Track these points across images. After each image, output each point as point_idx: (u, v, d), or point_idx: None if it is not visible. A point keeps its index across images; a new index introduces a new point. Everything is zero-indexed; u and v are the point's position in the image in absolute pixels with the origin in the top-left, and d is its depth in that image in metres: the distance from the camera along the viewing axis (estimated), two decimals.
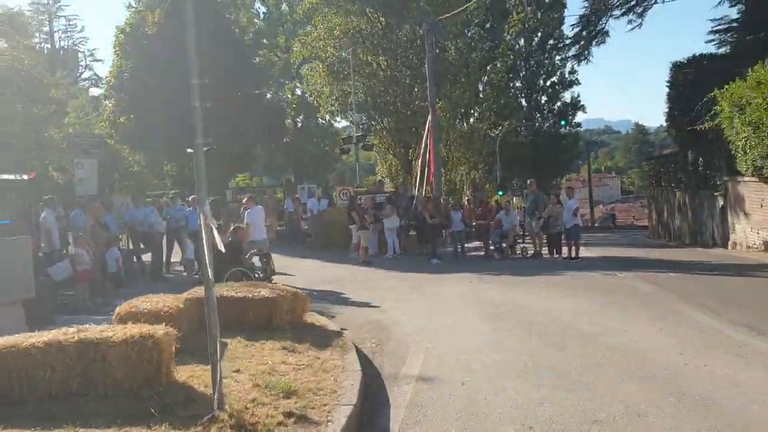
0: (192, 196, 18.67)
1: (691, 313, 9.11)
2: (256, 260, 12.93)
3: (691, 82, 29.43)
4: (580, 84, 52.85)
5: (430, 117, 27.23)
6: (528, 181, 19.88)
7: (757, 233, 18.38)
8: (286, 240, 23.91)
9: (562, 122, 42.73)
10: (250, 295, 8.19)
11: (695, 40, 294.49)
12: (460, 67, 35.41)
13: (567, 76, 52.42)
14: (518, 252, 20.27)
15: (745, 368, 6.33)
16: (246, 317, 8.14)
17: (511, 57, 50.19)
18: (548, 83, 52.86)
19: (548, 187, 55.19)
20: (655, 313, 9.23)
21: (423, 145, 27.32)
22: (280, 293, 8.38)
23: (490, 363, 7.05)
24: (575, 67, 54.39)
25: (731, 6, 33.58)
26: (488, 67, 44.14)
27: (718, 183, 21.91)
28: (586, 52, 31.56)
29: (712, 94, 19.28)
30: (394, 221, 20.57)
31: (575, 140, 54.01)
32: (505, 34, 49.05)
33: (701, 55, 30.65)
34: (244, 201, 17.94)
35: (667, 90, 33.10)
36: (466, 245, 21.92)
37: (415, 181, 25.98)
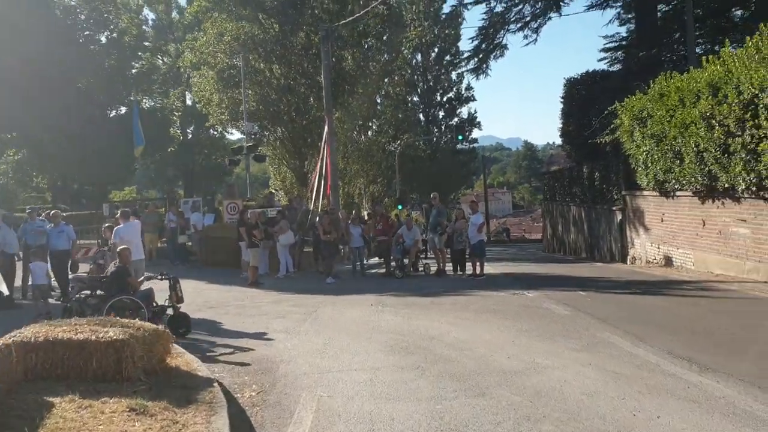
0: (52, 211, 16.34)
1: (618, 342, 8.05)
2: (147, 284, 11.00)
3: (584, 97, 29.61)
4: (476, 100, 53.19)
5: (326, 127, 25.86)
6: (431, 195, 18.78)
7: (658, 248, 18.04)
8: (167, 259, 21.72)
9: (459, 137, 42.49)
10: (93, 337, 6.38)
11: (586, 59, 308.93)
12: (358, 77, 34.24)
13: (464, 92, 52.63)
14: (421, 269, 19.11)
15: (706, 420, 5.21)
16: (89, 365, 6.33)
17: (409, 71, 49.81)
18: (445, 99, 52.82)
19: (446, 202, 55.10)
20: (580, 343, 8.11)
21: (319, 157, 25.85)
22: (133, 332, 6.60)
23: (399, 417, 5.62)
24: (471, 83, 54.95)
25: (620, 25, 34.33)
26: (386, 80, 43.37)
27: (616, 197, 21.66)
28: (485, 65, 31.21)
29: (612, 107, 18.91)
30: (287, 237, 18.94)
31: (472, 156, 54.14)
32: (403, 48, 48.55)
33: (594, 71, 30.94)
34: (116, 216, 15.83)
35: (561, 106, 33.31)
36: (365, 262, 20.56)
37: (311, 194, 24.44)
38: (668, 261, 17.38)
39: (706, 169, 14.01)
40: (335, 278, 17.71)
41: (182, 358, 7.76)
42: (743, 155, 12.49)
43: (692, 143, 14.26)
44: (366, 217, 22.38)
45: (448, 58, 51.70)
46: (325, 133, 25.78)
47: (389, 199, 48.12)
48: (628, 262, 20.05)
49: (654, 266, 17.89)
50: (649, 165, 16.95)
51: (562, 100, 32.20)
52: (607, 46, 30.87)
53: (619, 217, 20.92)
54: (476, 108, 72.28)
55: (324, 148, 25.73)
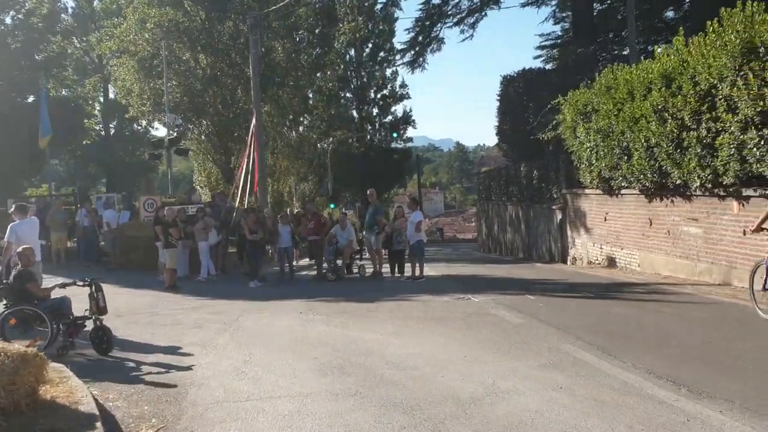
0: None
1: (586, 358, 6.99)
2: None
3: (521, 95, 29.01)
4: (410, 98, 52.33)
5: (254, 120, 24.32)
6: (368, 192, 17.52)
7: (600, 248, 17.33)
8: (78, 260, 19.73)
9: (394, 134, 41.48)
10: None
11: (521, 59, 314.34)
12: (288, 69, 32.68)
13: (398, 89, 51.55)
14: (355, 271, 17.83)
15: None
16: None
17: (341, 66, 48.48)
18: (379, 96, 51.63)
19: (380, 201, 53.95)
20: (543, 358, 7.01)
21: (246, 151, 24.25)
22: None
23: None
24: (406, 80, 53.97)
25: (555, 23, 33.96)
26: (318, 74, 41.92)
27: (556, 196, 20.95)
28: (421, 59, 30.16)
29: (555, 102, 18.12)
30: (209, 237, 17.37)
31: (406, 154, 53.16)
32: (335, 43, 47.12)
33: (530, 69, 30.39)
34: (11, 211, 13.94)
35: (496, 105, 32.66)
36: (295, 264, 19.15)
37: (236, 190, 22.83)
38: (611, 261, 16.67)
39: (657, 165, 13.25)
40: (261, 282, 16.27)
41: (65, 386, 6.26)
42: (698, 150, 11.74)
43: (642, 138, 13.49)
44: (297, 216, 20.95)
45: (382, 54, 50.49)
46: (252, 126, 24.22)
47: (321, 198, 46.66)
48: (569, 263, 19.32)
49: (597, 267, 17.17)
50: (594, 162, 16.18)
51: (498, 97, 31.59)
52: (543, 44, 30.37)
53: (559, 216, 20.20)
54: (411, 106, 71.70)
55: (251, 141, 24.16)
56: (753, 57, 10.03)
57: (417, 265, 15.61)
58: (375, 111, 51.64)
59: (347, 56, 50.01)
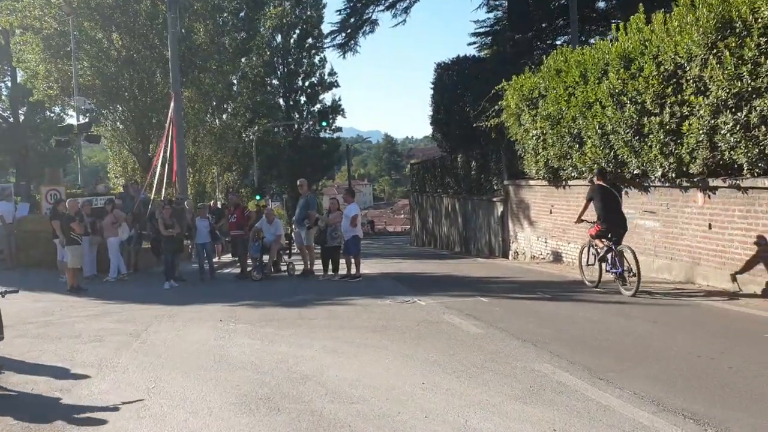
0: None
1: (569, 381, 5.71)
2: None
3: (456, 83, 27.89)
4: (339, 86, 50.60)
5: (172, 103, 22.32)
6: (299, 182, 15.87)
7: (545, 242, 16.34)
8: None
9: (323, 123, 39.80)
10: None
11: (452, 49, 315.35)
12: (211, 53, 30.58)
13: (327, 77, 49.91)
14: (283, 270, 16.24)
15: None
16: None
17: (268, 53, 46.47)
18: (307, 83, 49.88)
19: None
20: (518, 385, 5.68)
21: (164, 138, 22.22)
22: None
23: None
24: (335, 68, 52.27)
25: (489, 11, 33.01)
26: (243, 60, 39.86)
27: (496, 188, 19.93)
28: (353, 41, 28.57)
29: (499, 86, 16.97)
30: (120, 232, 15.45)
31: (335, 145, 51.56)
32: (261, 27, 44.99)
33: (465, 56, 29.33)
34: None
35: (431, 92, 31.50)
36: (217, 261, 17.42)
37: (152, 180, 20.81)
38: (557, 257, 15.69)
39: (612, 153, 12.24)
40: (178, 282, 14.53)
41: None
42: (661, 137, 10.73)
43: (596, 125, 12.45)
44: (221, 209, 19.18)
45: (310, 41, 48.70)
46: (171, 111, 22.19)
47: (246, 190, 44.57)
48: (511, 257, 18.31)
49: (542, 262, 16.16)
50: (540, 151, 15.13)
51: (432, 86, 30.41)
52: (478, 30, 29.32)
53: (500, 208, 19.15)
54: (340, 95, 69.51)
55: (170, 127, 22.14)
56: (729, 33, 9.02)
57: (353, 262, 14.18)
58: (303, 99, 49.92)
59: (274, 42, 48.01)
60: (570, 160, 13.84)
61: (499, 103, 17.23)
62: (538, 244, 16.67)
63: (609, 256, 10.72)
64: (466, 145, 25.10)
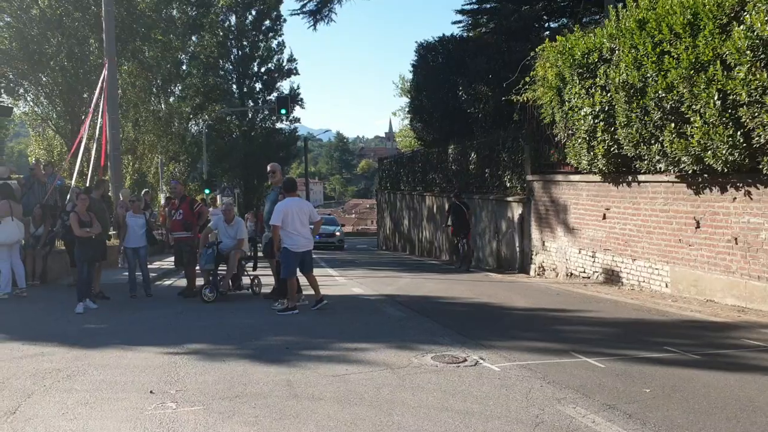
0: None
1: None
2: None
3: (443, 65, 23.83)
4: (299, 74, 45.86)
5: (105, 72, 17.56)
6: (269, 168, 11.29)
7: (592, 257, 12.29)
8: None
9: (282, 111, 35.11)
10: None
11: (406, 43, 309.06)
12: (157, 22, 25.66)
13: (285, 63, 45.06)
14: (245, 288, 11.70)
15: None
16: None
17: (221, 34, 41.54)
18: (263, 69, 44.94)
19: (261, 188, 47.17)
20: None
21: (91, 112, 17.42)
22: None
23: None
24: (294, 54, 47.42)
25: None
26: (194, 39, 34.93)
27: (509, 184, 15.88)
28: (326, 9, 23.98)
29: (540, 48, 12.82)
30: (12, 229, 10.77)
31: (293, 137, 46.74)
32: (213, 4, 39.91)
33: (453, 35, 25.32)
34: None
35: (411, 76, 27.41)
36: (152, 274, 12.84)
37: (74, 163, 16.03)
38: (612, 277, 11.66)
39: (739, 135, 8.21)
40: (93, 303, 9.96)
41: None
42: None
43: (714, 94, 8.41)
44: (168, 201, 14.51)
45: (267, 23, 43.74)
46: (102, 79, 17.39)
47: (194, 183, 39.49)
48: (533, 273, 14.23)
49: (589, 283, 12.06)
50: (599, 135, 11.04)
51: (412, 68, 26.30)
52: (465, 8, 25.21)
53: (517, 210, 15.07)
54: (299, 83, 63.90)
55: (100, 99, 17.37)
56: None
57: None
58: (258, 86, 44.98)
59: (227, 22, 43.00)
60: (656, 146, 9.77)
61: (532, 73, 13.11)
62: (581, 258, 12.59)
63: None
64: (457, 134, 21.04)
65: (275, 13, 44.00)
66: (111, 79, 17.41)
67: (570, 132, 12.00)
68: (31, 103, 25.31)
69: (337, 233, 33.37)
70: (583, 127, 11.41)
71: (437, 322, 8.25)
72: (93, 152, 16.17)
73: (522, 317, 8.92)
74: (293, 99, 44.73)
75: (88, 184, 14.98)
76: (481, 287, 12.22)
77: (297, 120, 46.25)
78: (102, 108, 17.21)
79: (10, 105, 20.68)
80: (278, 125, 45.35)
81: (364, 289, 11.77)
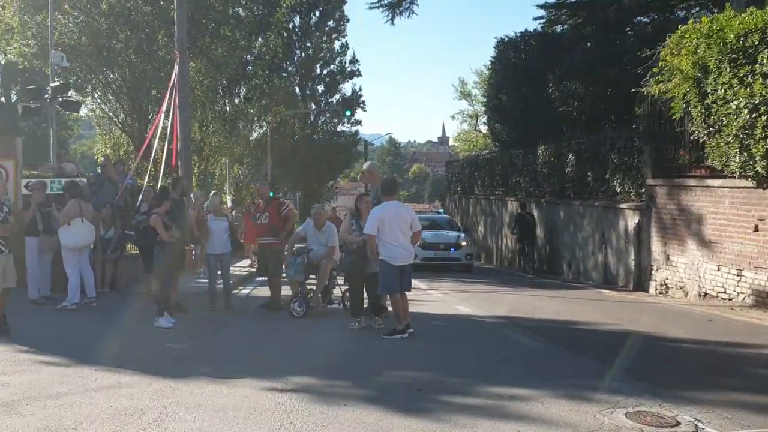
0: None
1: None
2: None
3: (524, 62, 22.09)
4: (361, 75, 44.59)
5: (176, 66, 16.33)
6: (366, 167, 9.83)
7: (738, 275, 10.41)
8: None
9: (347, 112, 33.97)
10: None
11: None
12: (227, 17, 24.66)
13: (348, 65, 43.83)
14: (335, 303, 10.23)
15: None
16: None
17: (285, 35, 40.56)
18: (326, 72, 43.82)
19: (322, 191, 46.08)
20: None
21: (162, 108, 16.26)
22: None
23: None
24: (356, 56, 46.08)
25: None
26: (259, 40, 33.97)
27: (620, 190, 14.09)
28: (408, 0, 22.40)
29: (676, 34, 11.05)
30: (82, 231, 9.57)
31: (354, 139, 45.47)
32: (279, 8, 38.90)
33: (537, 31, 23.57)
34: None
35: (490, 76, 25.77)
36: (231, 281, 11.53)
37: (145, 161, 14.95)
38: (765, 299, 9.80)
39: None
40: (172, 319, 8.67)
41: None
42: None
43: None
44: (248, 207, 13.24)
45: (331, 23, 42.67)
46: (174, 74, 16.23)
47: (255, 186, 38.57)
48: (653, 291, 12.40)
49: (740, 306, 10.17)
50: (759, 132, 9.21)
51: (491, 65, 24.73)
52: (548, 1, 23.39)
53: (632, 219, 13.27)
54: (361, 85, 62.48)
55: (172, 95, 16.20)
56: None
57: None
58: (321, 89, 43.86)
59: (291, 23, 42.00)
60: None
61: (660, 63, 11.32)
62: (720, 276, 10.73)
63: None
64: (542, 134, 19.28)
65: (339, 13, 42.84)
66: (182, 74, 16.28)
67: (712, 129, 10.19)
68: (99, 100, 24.58)
69: (464, 244, 18.16)
70: (734, 123, 9.59)
71: (593, 358, 6.62)
72: (164, 150, 15.03)
73: (698, 354, 7.20)
74: (355, 101, 43.52)
75: (159, 184, 13.82)
76: (606, 309, 10.47)
77: (358, 122, 44.95)
78: (173, 104, 16.07)
79: (78, 100, 19.80)
80: (339, 128, 44.18)
81: (471, 308, 10.18)
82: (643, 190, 13.02)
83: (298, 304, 9.43)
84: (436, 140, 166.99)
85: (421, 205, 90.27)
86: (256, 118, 35.04)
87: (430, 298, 11.67)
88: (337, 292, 10.28)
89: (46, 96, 17.07)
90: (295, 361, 6.78)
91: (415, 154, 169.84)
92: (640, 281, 12.92)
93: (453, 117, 44.87)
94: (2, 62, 40.31)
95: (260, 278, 12.43)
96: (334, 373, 6.20)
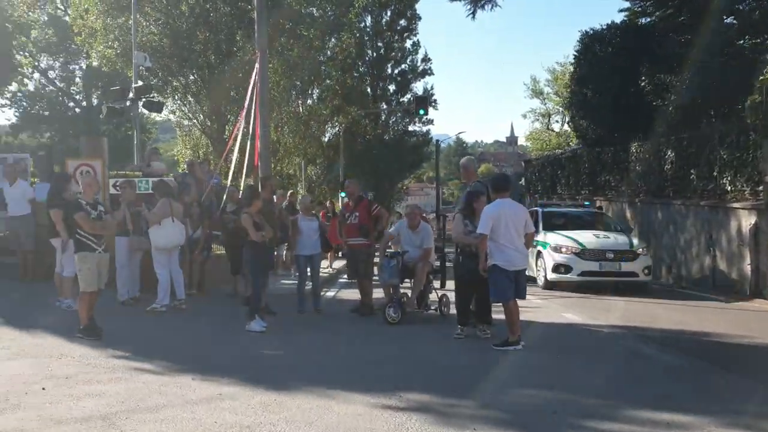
0: None
1: None
2: None
3: (610, 55, 20.95)
4: (433, 74, 43.88)
5: (257, 65, 15.98)
6: (464, 162, 9.19)
7: None
8: None
9: (420, 111, 33.30)
10: None
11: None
12: (303, 16, 24.44)
13: (419, 64, 43.20)
14: (432, 308, 9.58)
15: None
16: None
17: (357, 35, 40.23)
18: (397, 71, 43.30)
19: (392, 192, 45.56)
20: None
21: (245, 106, 15.96)
22: None
23: None
24: (428, 54, 45.22)
25: None
26: (332, 40, 33.67)
27: (730, 187, 12.94)
28: None
29: None
30: (173, 231, 9.25)
31: (425, 139, 44.76)
32: (352, 8, 38.58)
33: (625, 24, 22.36)
34: None
35: (574, 70, 24.62)
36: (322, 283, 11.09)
37: (224, 162, 14.70)
38: None
39: None
40: (263, 322, 8.25)
41: None
42: None
43: None
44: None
45: (403, 22, 42.11)
46: (255, 73, 15.94)
47: (327, 186, 38.43)
48: None
49: None
50: None
51: (574, 59, 23.65)
52: None
53: (748, 219, 12.14)
54: (432, 84, 61.20)
55: (252, 94, 15.91)
56: None
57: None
58: (392, 88, 43.34)
59: (362, 23, 41.66)
60: None
61: None
62: None
63: None
64: (634, 130, 18.14)
65: (410, 11, 42.26)
66: (262, 73, 15.98)
67: None
68: (179, 102, 24.76)
69: (640, 251, 13.14)
70: None
71: (747, 377, 5.75)
72: (246, 150, 14.74)
73: None
74: (427, 100, 42.80)
75: (242, 183, 13.51)
76: (732, 319, 9.49)
77: (430, 122, 44.21)
78: (255, 103, 15.78)
79: (161, 101, 19.84)
80: (410, 128, 43.59)
81: (580, 316, 9.36)
82: (760, 188, 11.88)
83: (393, 310, 8.83)
84: (504, 140, 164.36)
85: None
86: (328, 119, 34.86)
87: (529, 303, 10.88)
88: (432, 296, 9.63)
89: (130, 96, 17.10)
90: (402, 373, 6.20)
91: (483, 154, 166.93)
92: (757, 287, 11.77)
93: (524, 116, 43.90)
94: (84, 67, 41.61)
95: (348, 280, 11.94)
96: (450, 390, 5.57)
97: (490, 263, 7.13)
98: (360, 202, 10.02)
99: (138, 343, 7.37)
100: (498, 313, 7.71)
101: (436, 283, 9.85)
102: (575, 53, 22.99)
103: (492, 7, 20.89)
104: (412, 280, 9.22)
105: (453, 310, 9.52)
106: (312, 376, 6.14)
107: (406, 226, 9.50)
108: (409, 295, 9.27)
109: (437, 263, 9.95)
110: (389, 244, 9.96)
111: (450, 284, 9.92)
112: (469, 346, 7.45)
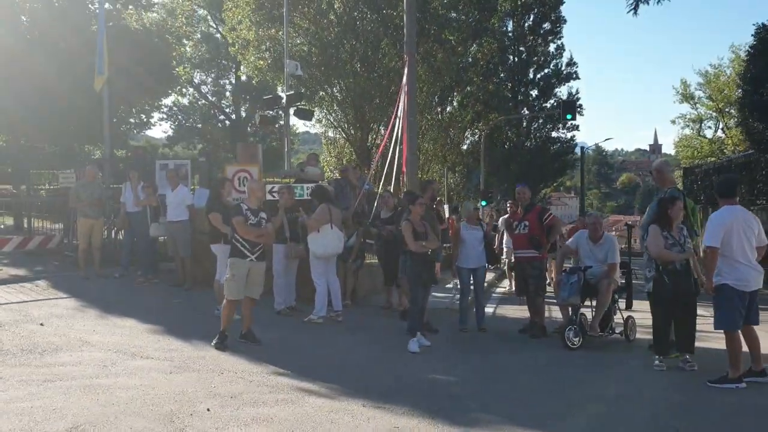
0: None
1: None
2: None
3: None
4: (579, 78, 41.69)
5: (405, 70, 15.39)
6: (654, 165, 7.93)
7: None
8: (117, 268, 11.44)
9: (568, 116, 31.41)
10: None
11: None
12: (450, 21, 23.75)
13: (564, 68, 41.16)
14: (615, 330, 8.35)
15: None
16: None
17: (499, 38, 38.97)
18: (539, 76, 41.49)
19: (534, 201, 43.61)
20: None
21: (394, 114, 15.40)
22: None
23: None
24: (574, 57, 42.95)
25: None
26: (474, 45, 32.68)
27: None
28: None
29: None
30: (332, 238, 8.71)
31: (570, 145, 42.55)
32: (495, 12, 37.34)
33: None
34: None
35: (746, 67, 22.18)
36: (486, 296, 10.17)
37: (375, 168, 14.16)
38: None
39: None
40: (424, 338, 7.49)
41: None
42: None
43: None
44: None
45: (546, 26, 40.32)
46: (404, 78, 15.36)
47: (467, 193, 37.35)
48: None
49: None
50: None
51: (746, 56, 21.31)
52: None
53: None
54: (578, 88, 58.07)
55: (402, 100, 15.33)
56: None
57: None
58: (534, 93, 41.59)
59: (504, 27, 40.32)
60: None
61: None
62: None
63: None
64: None
65: (554, 14, 40.41)
66: (410, 77, 15.36)
67: None
68: (325, 111, 24.81)
69: None
70: None
71: None
72: (396, 156, 14.14)
73: None
74: (570, 106, 40.72)
75: (391, 189, 12.90)
76: None
77: (575, 128, 42.01)
78: (404, 108, 15.17)
79: (311, 109, 19.81)
80: (554, 134, 41.62)
81: None
82: None
83: (573, 333, 7.75)
84: (646, 148, 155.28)
85: (632, 216, 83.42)
86: (468, 125, 33.90)
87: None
88: (617, 318, 8.42)
89: (281, 104, 17.09)
90: (604, 417, 5.16)
91: (624, 163, 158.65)
92: None
93: (673, 122, 40.31)
94: (233, 81, 43.40)
95: (506, 295, 10.93)
96: None
97: (719, 282, 5.91)
98: (531, 209, 9.00)
99: (299, 358, 6.83)
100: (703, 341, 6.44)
101: (621, 303, 8.62)
102: (749, 49, 20.75)
103: (659, 1, 19.09)
104: (594, 300, 8.07)
105: (638, 335, 8.30)
106: (495, 409, 5.28)
107: (587, 237, 8.37)
108: (589, 316, 8.12)
109: (622, 281, 8.70)
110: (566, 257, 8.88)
111: (638, 305, 8.68)
112: (678, 381, 6.24)
